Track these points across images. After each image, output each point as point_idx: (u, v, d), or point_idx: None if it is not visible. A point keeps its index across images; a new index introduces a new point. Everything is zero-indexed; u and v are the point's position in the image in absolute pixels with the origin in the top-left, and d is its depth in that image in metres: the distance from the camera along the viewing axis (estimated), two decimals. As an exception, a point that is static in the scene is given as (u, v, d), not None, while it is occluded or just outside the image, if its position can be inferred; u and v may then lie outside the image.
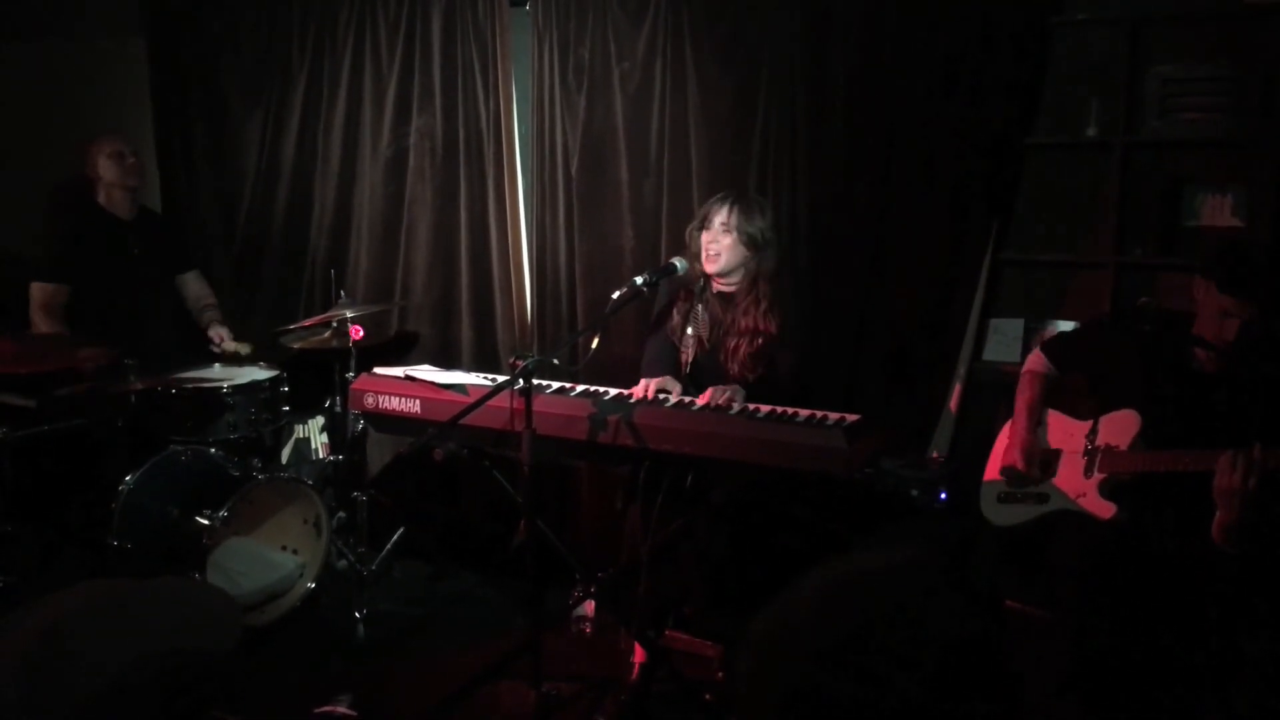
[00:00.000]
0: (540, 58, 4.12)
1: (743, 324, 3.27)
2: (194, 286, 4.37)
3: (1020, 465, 2.95)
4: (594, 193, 4.10)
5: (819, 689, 0.93)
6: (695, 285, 3.40)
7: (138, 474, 3.52)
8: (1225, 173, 3.46)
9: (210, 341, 4.17)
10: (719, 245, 3.25)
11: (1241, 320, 2.64)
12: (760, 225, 3.25)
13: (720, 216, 3.25)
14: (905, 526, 3.34)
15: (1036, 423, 3.01)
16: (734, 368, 3.26)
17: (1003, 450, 3.05)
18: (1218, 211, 3.47)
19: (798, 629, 0.98)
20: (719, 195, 3.34)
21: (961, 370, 3.73)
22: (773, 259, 3.31)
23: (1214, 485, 2.55)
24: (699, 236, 3.31)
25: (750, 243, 3.24)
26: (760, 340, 3.24)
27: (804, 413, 2.89)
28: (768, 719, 0.96)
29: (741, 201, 3.28)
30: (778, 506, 3.24)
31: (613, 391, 3.15)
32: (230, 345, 4.13)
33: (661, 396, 3.11)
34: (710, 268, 3.28)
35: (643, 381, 3.18)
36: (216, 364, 4.05)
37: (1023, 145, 3.62)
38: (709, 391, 3.03)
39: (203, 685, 1.36)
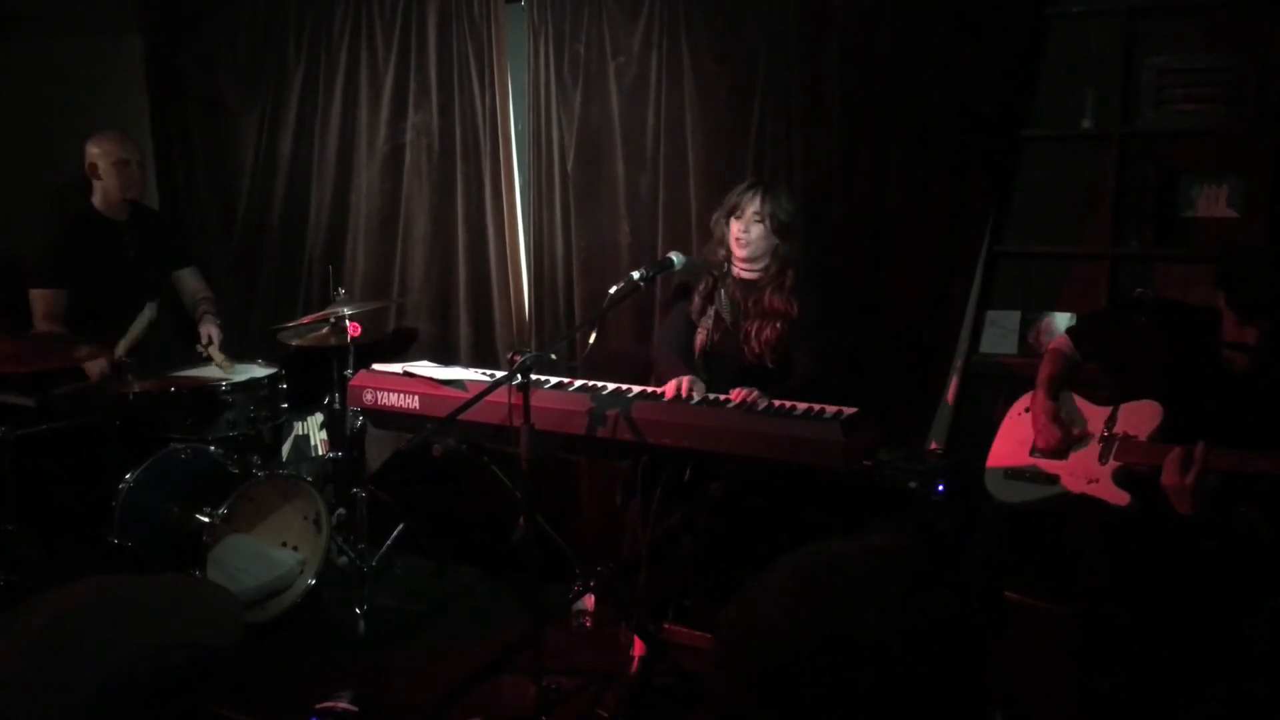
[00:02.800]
0: (536, 53, 4.12)
1: (767, 305, 3.33)
2: (189, 282, 4.33)
3: (1055, 432, 2.91)
4: (590, 188, 4.10)
5: (789, 678, 0.93)
6: (719, 270, 3.42)
7: (138, 472, 3.52)
8: (1221, 163, 3.46)
9: (198, 340, 4.09)
10: (750, 234, 3.31)
11: (1258, 330, 2.65)
12: (790, 211, 3.34)
13: (754, 206, 3.31)
14: (892, 515, 3.35)
15: (1057, 395, 3.00)
16: (754, 347, 3.32)
17: (1010, 431, 3.05)
18: (1214, 202, 3.47)
19: (767, 618, 0.98)
20: (747, 184, 3.39)
21: (959, 362, 3.73)
22: (799, 246, 3.39)
23: (1160, 481, 2.59)
24: (727, 224, 3.36)
25: (780, 230, 3.32)
26: (781, 324, 3.30)
27: (801, 406, 2.90)
28: (738, 709, 0.97)
29: (772, 190, 3.35)
30: (776, 499, 3.24)
31: (611, 386, 3.16)
32: (217, 355, 3.99)
33: (661, 392, 3.12)
34: (741, 252, 3.33)
35: (673, 380, 3.15)
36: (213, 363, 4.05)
37: (1019, 137, 3.62)
38: (735, 393, 3.04)
39: (205, 680, 1.37)
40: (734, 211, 3.34)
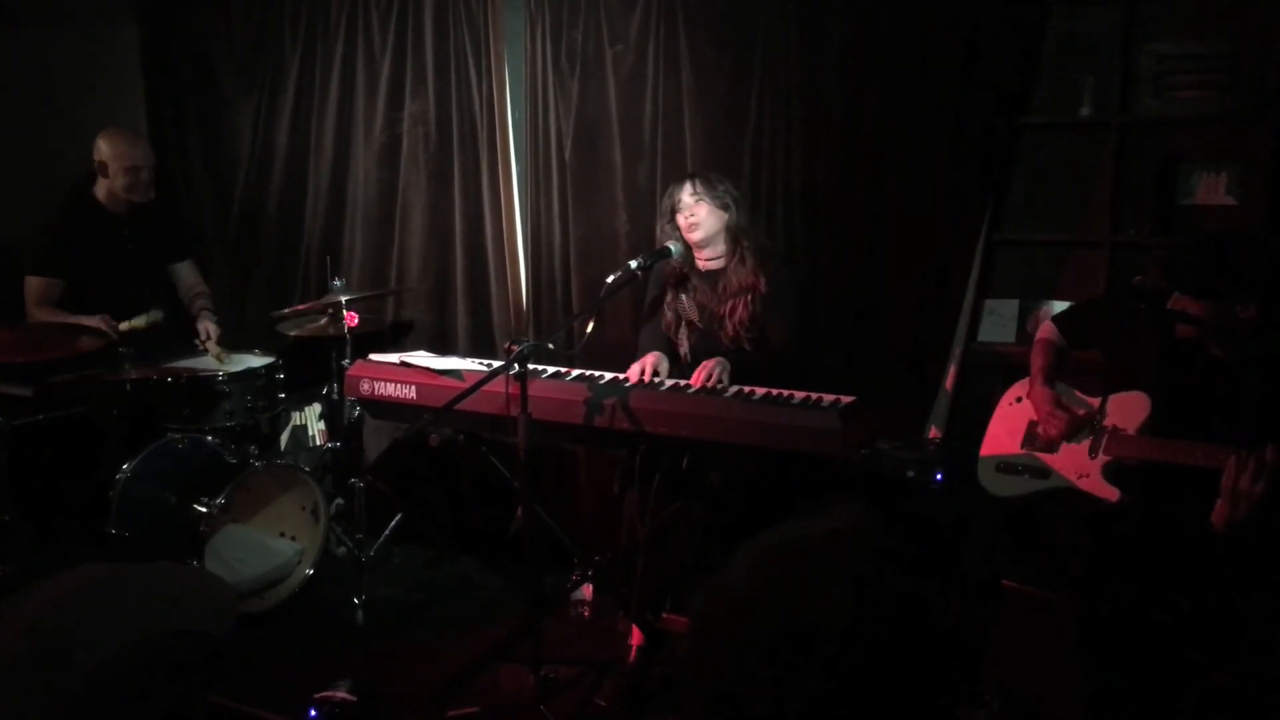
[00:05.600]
0: (533, 42, 4.10)
1: (734, 284, 3.35)
2: (186, 275, 4.33)
3: (1062, 418, 2.85)
4: (588, 177, 4.09)
5: (758, 667, 0.93)
6: (675, 275, 3.44)
7: (135, 462, 3.52)
8: (1220, 150, 3.45)
9: (196, 335, 4.11)
10: (696, 215, 3.34)
11: (1205, 319, 2.62)
12: (723, 187, 3.38)
13: (687, 191, 3.35)
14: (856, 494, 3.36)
15: (1052, 384, 2.99)
16: (729, 329, 3.34)
17: (1002, 421, 3.04)
18: (1213, 190, 3.46)
19: (734, 608, 0.98)
20: (672, 184, 3.45)
21: (957, 351, 3.72)
22: (745, 216, 3.42)
23: (1221, 483, 2.51)
24: (674, 226, 3.39)
25: (722, 205, 3.35)
26: (751, 298, 3.33)
27: (800, 395, 2.90)
28: (708, 700, 0.97)
29: (695, 174, 3.42)
30: (774, 488, 3.24)
31: (608, 375, 3.15)
32: (213, 349, 4.02)
33: (657, 380, 3.12)
34: (695, 236, 3.35)
35: (635, 365, 3.20)
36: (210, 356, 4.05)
37: (1017, 124, 3.61)
38: (699, 370, 3.05)
39: (199, 669, 1.37)
40: (674, 210, 3.37)
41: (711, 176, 3.39)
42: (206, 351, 4.03)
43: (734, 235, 3.37)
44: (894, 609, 0.93)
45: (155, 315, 3.81)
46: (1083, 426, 2.87)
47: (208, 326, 4.12)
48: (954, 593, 0.97)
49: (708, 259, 3.43)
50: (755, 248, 3.39)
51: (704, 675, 0.97)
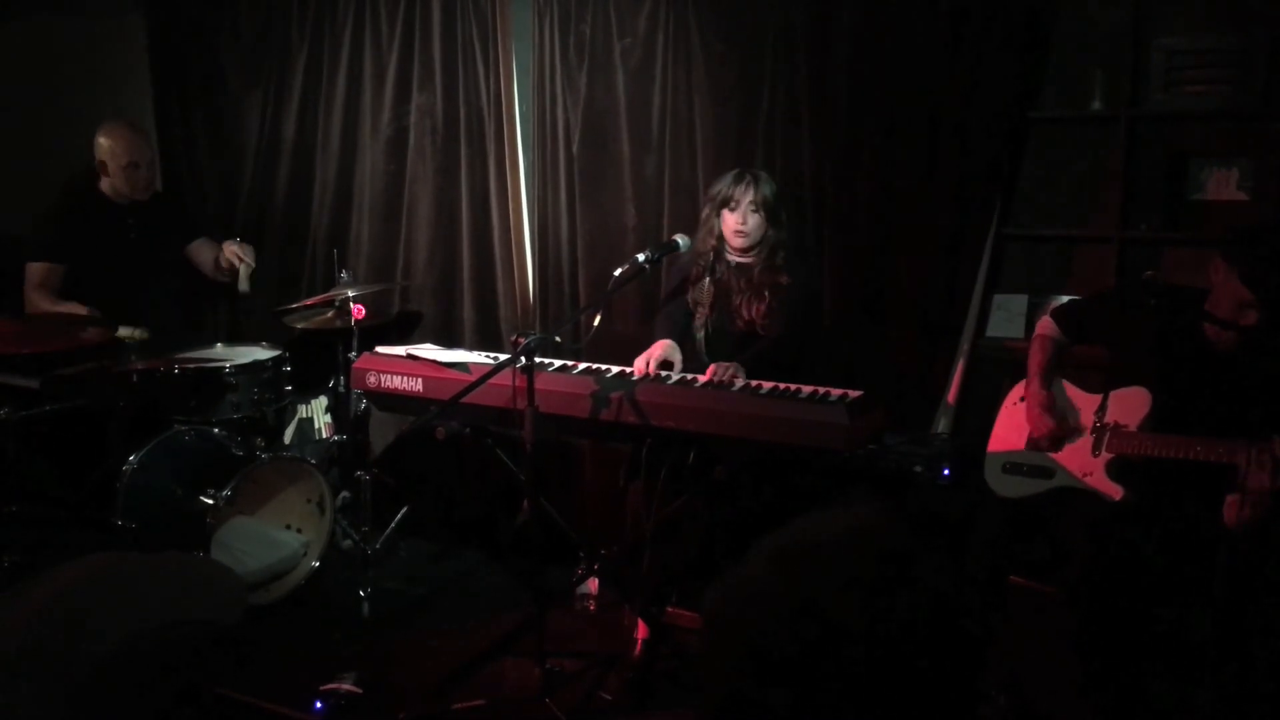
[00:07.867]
0: (541, 34, 4.09)
1: (758, 281, 3.36)
2: (205, 253, 4.25)
3: (1049, 424, 2.87)
4: (596, 170, 4.08)
5: (774, 664, 0.92)
6: (705, 260, 3.42)
7: (142, 454, 3.52)
8: (1231, 145, 3.43)
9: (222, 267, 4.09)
10: (748, 224, 3.33)
11: (1259, 311, 2.61)
12: (776, 193, 3.39)
13: (750, 196, 3.32)
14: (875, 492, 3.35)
15: (1049, 383, 2.97)
16: (745, 314, 3.34)
17: (1007, 420, 3.03)
18: (1223, 185, 3.45)
19: (750, 605, 0.97)
20: (733, 174, 3.39)
21: (965, 346, 3.71)
22: (784, 226, 3.43)
23: (1240, 482, 2.50)
24: (718, 216, 3.37)
25: (772, 216, 3.35)
26: (769, 292, 3.33)
27: (806, 389, 2.89)
28: (723, 693, 0.96)
29: (758, 177, 3.38)
30: (781, 482, 3.24)
31: (615, 369, 3.15)
32: (230, 259, 4.01)
33: (664, 374, 3.11)
34: (740, 243, 3.35)
35: (640, 358, 3.19)
36: (219, 344, 4.05)
37: (1027, 119, 3.59)
38: (711, 368, 3.05)
39: (207, 659, 1.36)
40: (727, 204, 3.34)
41: (768, 182, 3.37)
42: (239, 273, 4.01)
43: (772, 245, 3.38)
44: (915, 609, 0.92)
45: (143, 333, 3.76)
46: (1073, 432, 2.87)
47: (232, 248, 4.04)
48: (967, 590, 0.96)
49: (741, 256, 3.42)
50: (787, 255, 3.39)
51: (718, 672, 0.96)
